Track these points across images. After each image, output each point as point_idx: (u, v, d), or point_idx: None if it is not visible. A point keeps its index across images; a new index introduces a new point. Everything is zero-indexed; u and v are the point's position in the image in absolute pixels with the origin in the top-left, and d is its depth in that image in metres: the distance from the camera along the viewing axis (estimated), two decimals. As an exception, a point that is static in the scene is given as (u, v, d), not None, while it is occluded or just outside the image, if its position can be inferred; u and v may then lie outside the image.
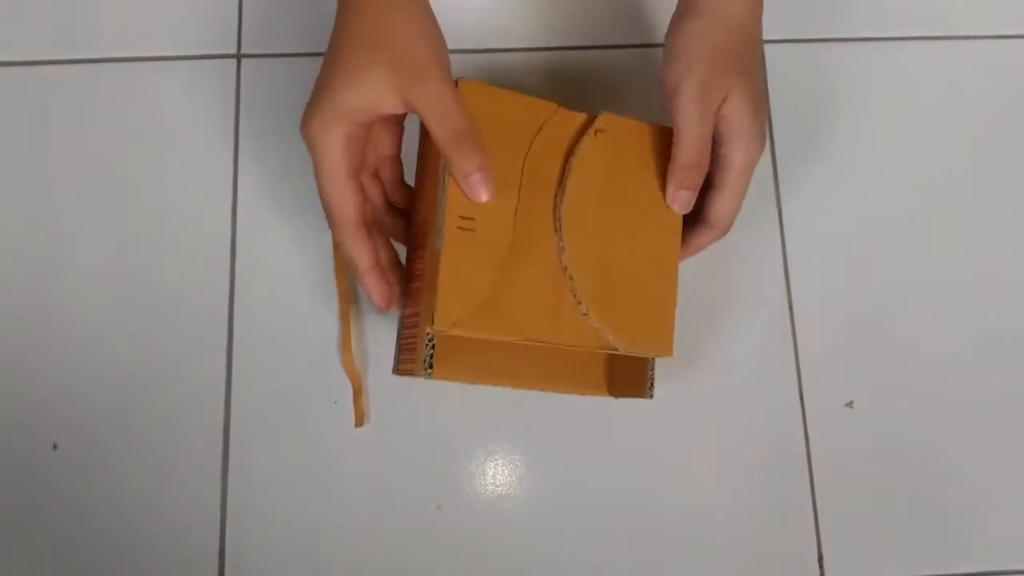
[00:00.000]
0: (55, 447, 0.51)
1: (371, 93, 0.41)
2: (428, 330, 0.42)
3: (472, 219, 0.42)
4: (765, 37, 0.53)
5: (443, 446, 0.51)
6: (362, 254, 0.44)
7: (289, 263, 0.53)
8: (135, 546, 0.50)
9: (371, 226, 0.44)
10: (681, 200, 0.45)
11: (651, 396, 0.47)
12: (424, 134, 0.47)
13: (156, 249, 0.53)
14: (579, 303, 0.44)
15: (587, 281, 0.44)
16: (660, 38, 0.49)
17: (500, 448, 0.52)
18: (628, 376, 0.48)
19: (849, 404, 0.53)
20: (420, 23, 0.42)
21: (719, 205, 0.46)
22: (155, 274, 0.53)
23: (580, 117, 0.45)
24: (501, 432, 0.52)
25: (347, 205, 0.42)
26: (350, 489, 0.51)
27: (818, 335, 0.53)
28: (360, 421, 0.50)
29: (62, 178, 0.54)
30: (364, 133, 0.43)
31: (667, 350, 0.45)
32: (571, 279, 0.44)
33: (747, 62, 0.46)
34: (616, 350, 0.44)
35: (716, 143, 0.45)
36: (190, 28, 0.56)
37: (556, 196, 0.44)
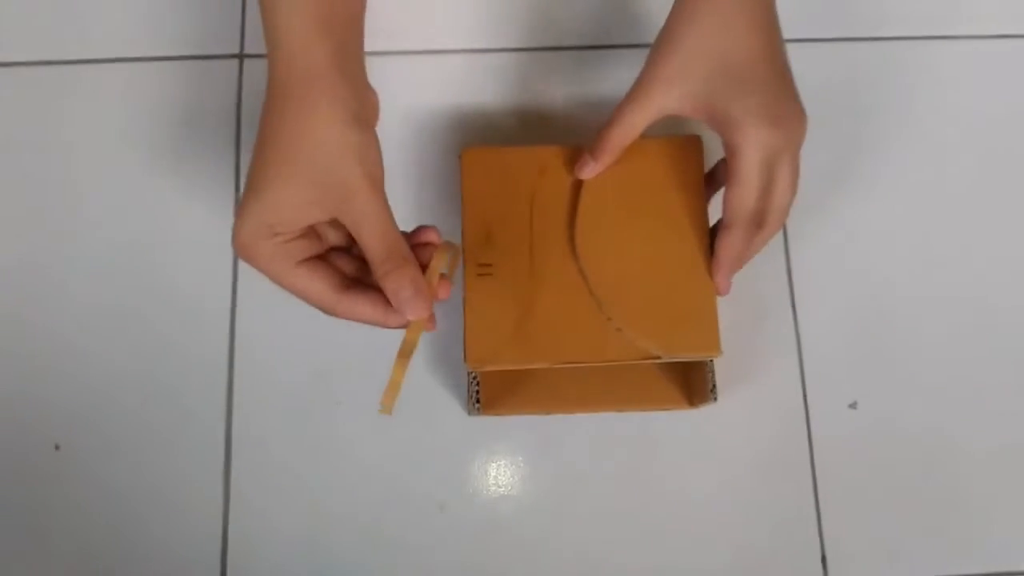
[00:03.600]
0: (57, 448, 0.51)
1: (292, 210, 0.38)
2: (468, 369, 0.45)
3: (489, 264, 0.45)
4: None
5: (446, 446, 0.51)
6: (363, 314, 0.40)
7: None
8: (137, 547, 0.50)
9: (356, 284, 0.40)
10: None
11: (715, 399, 0.47)
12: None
13: (158, 248, 0.53)
14: (609, 319, 0.44)
15: (615, 298, 0.45)
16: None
17: (502, 448, 0.52)
18: (695, 384, 0.49)
19: (853, 405, 0.53)
20: (341, 129, 0.38)
21: (727, 197, 0.44)
22: (156, 273, 0.53)
23: (580, 151, 0.46)
24: (503, 432, 0.52)
25: (311, 293, 0.39)
26: (353, 489, 0.51)
27: (822, 336, 0.53)
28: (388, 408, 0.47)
29: (63, 177, 0.54)
30: (301, 232, 0.39)
31: (714, 349, 0.45)
32: (597, 299, 0.45)
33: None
34: (659, 358, 0.44)
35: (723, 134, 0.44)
36: (192, 28, 0.56)
37: (569, 224, 0.46)
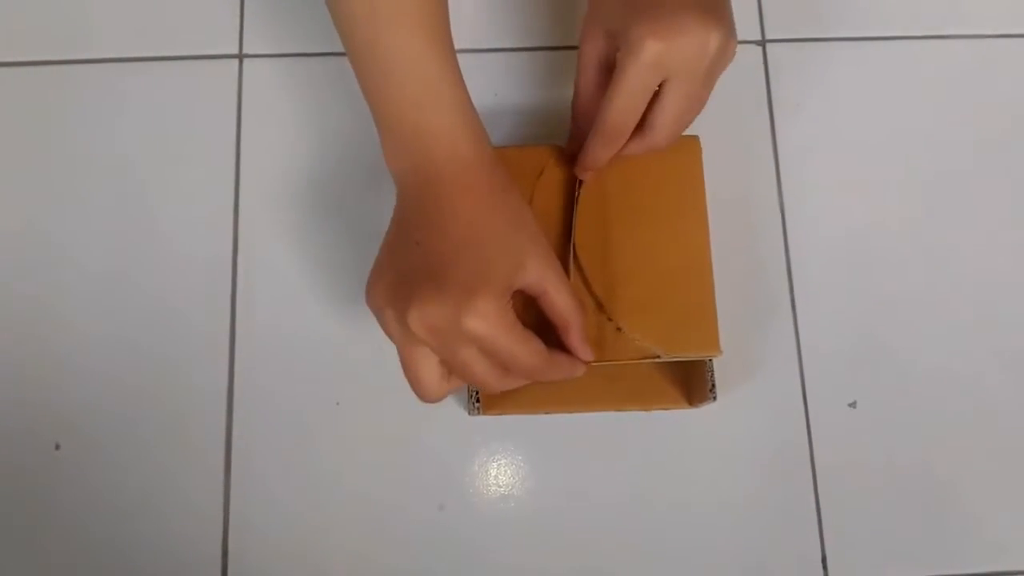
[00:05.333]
0: (57, 447, 0.51)
1: (515, 270, 0.40)
2: None
3: None
4: (767, 37, 0.54)
5: (446, 446, 0.51)
6: (564, 370, 0.42)
7: (291, 266, 0.53)
8: (137, 547, 0.50)
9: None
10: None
11: (714, 398, 0.47)
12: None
13: (157, 251, 0.53)
14: (609, 319, 0.44)
15: (614, 298, 0.45)
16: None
17: (502, 448, 0.52)
18: (694, 384, 0.49)
19: (852, 404, 0.53)
20: (519, 200, 0.42)
21: (600, 103, 0.43)
22: (156, 276, 0.53)
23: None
24: (503, 432, 0.52)
25: (538, 352, 0.41)
26: (352, 489, 0.51)
27: (821, 335, 0.53)
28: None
29: (63, 178, 0.54)
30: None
31: (714, 349, 0.45)
32: (597, 299, 0.45)
33: None
34: (659, 357, 0.44)
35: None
36: (192, 28, 0.56)
37: (568, 224, 0.46)
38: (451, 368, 0.40)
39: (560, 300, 0.41)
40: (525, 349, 0.40)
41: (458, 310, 0.38)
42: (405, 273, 0.40)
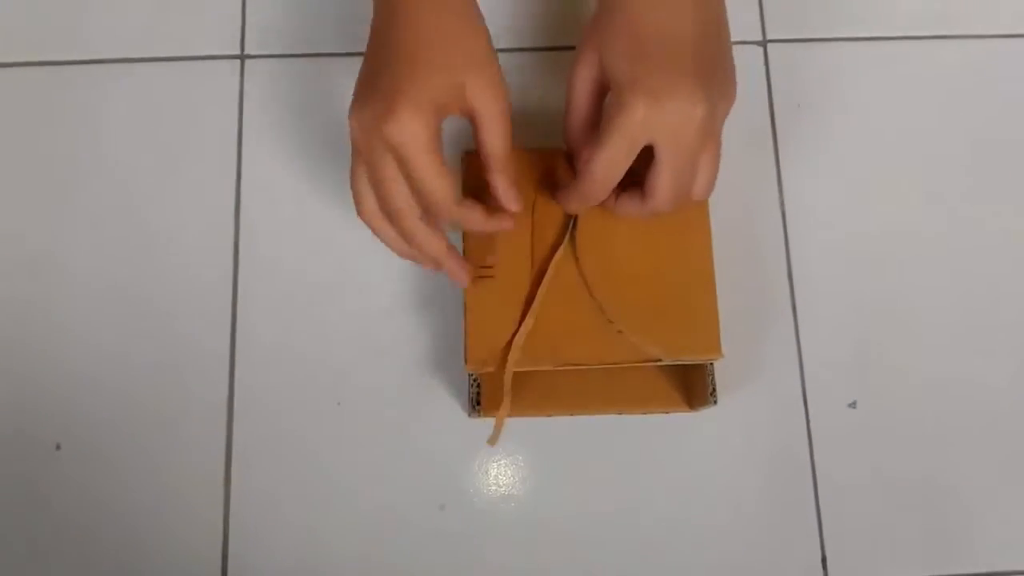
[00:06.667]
0: (58, 447, 0.51)
1: (448, 91, 0.40)
2: (468, 371, 0.45)
3: (490, 266, 0.45)
4: (768, 37, 0.53)
5: (446, 446, 0.51)
6: (474, 220, 0.42)
7: (292, 264, 0.53)
8: (138, 546, 0.50)
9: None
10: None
11: (714, 402, 0.47)
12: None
13: (158, 251, 0.53)
14: (610, 322, 0.45)
15: (616, 301, 0.45)
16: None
17: (503, 449, 0.52)
18: (695, 387, 0.49)
19: (852, 404, 0.53)
20: (474, 24, 0.42)
21: (588, 156, 0.42)
22: (157, 276, 0.53)
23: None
24: (504, 433, 0.52)
25: (447, 186, 0.40)
26: (353, 489, 0.51)
27: (821, 335, 0.53)
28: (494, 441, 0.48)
29: (64, 179, 0.54)
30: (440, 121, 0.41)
31: (715, 352, 0.45)
32: (598, 302, 0.45)
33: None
34: (660, 360, 0.44)
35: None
36: (193, 29, 0.56)
37: (570, 227, 0.46)
38: (374, 185, 0.41)
39: (491, 136, 0.41)
40: (439, 181, 0.39)
41: (382, 114, 0.38)
42: (359, 81, 0.42)
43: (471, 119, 0.41)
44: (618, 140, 0.40)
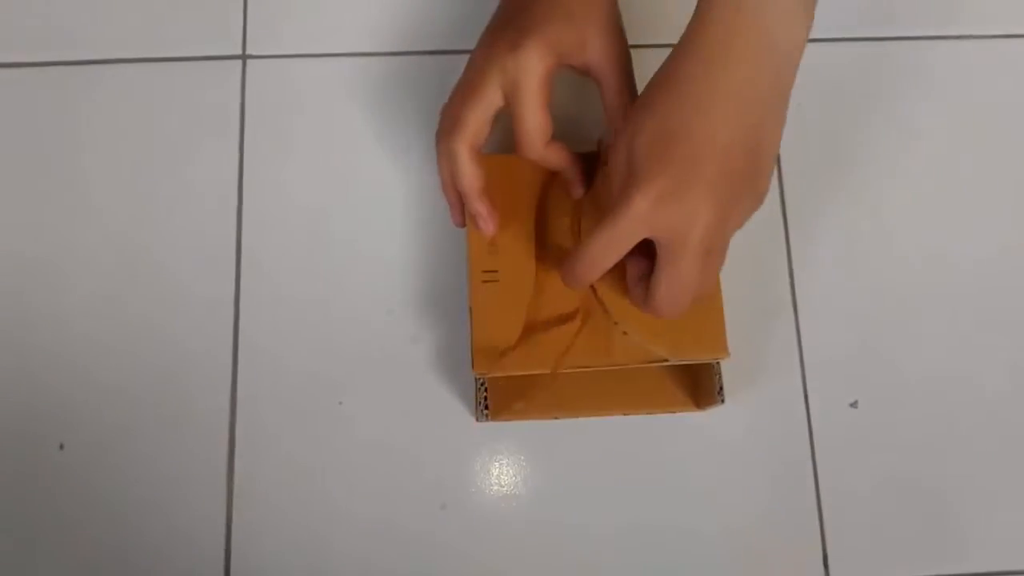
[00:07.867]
0: (61, 447, 0.51)
1: (571, 46, 0.43)
2: (475, 374, 0.45)
3: (495, 271, 0.45)
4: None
5: (448, 446, 0.51)
6: (560, 159, 0.45)
7: (295, 262, 0.53)
8: (141, 546, 0.50)
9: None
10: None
11: (722, 401, 0.47)
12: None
13: (160, 249, 0.53)
14: (616, 323, 0.45)
15: (621, 303, 0.45)
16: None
17: (505, 448, 0.52)
18: (701, 386, 0.49)
19: (854, 404, 0.53)
20: None
21: (585, 239, 0.42)
22: (159, 274, 0.53)
23: (588, 157, 0.46)
24: (505, 432, 0.52)
25: (547, 125, 0.44)
26: (355, 489, 0.51)
27: (823, 334, 0.53)
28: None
29: (65, 179, 0.54)
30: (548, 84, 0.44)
31: (722, 351, 0.45)
32: (603, 304, 0.45)
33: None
34: (666, 360, 0.45)
35: None
36: (195, 29, 0.56)
37: (574, 230, 0.46)
38: (460, 100, 0.45)
39: (607, 91, 0.45)
40: (539, 118, 0.43)
41: (511, 43, 0.43)
42: (492, 22, 0.48)
43: (589, 74, 0.45)
44: (616, 226, 0.39)
